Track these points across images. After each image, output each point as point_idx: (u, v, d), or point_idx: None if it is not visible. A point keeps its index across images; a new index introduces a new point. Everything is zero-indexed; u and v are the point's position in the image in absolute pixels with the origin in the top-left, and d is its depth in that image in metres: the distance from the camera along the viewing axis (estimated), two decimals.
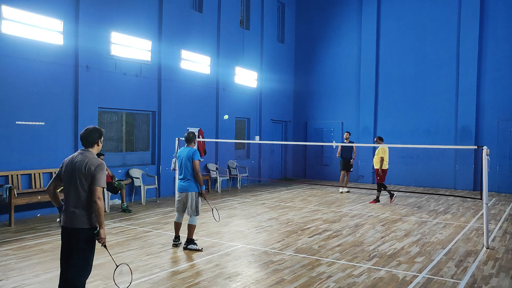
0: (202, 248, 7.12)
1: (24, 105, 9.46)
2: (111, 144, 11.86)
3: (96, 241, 4.17)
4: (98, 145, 4.37)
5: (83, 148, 4.34)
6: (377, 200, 12.46)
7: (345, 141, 14.49)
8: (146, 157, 12.76)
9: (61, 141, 10.23)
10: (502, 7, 15.27)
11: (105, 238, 4.16)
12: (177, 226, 7.35)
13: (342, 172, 14.65)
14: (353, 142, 15.22)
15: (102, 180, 4.14)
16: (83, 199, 4.12)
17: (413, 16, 16.79)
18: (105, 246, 4.16)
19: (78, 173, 4.14)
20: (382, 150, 12.15)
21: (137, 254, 6.76)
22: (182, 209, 7.24)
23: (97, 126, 4.47)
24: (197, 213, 7.10)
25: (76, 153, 4.33)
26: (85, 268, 4.14)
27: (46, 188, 4.51)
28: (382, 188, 12.43)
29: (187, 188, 7.07)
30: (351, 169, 14.83)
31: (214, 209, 7.79)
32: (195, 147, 7.39)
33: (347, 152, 14.48)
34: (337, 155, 14.79)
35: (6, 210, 8.81)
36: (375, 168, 12.39)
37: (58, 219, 4.34)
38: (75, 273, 4.10)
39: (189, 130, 7.62)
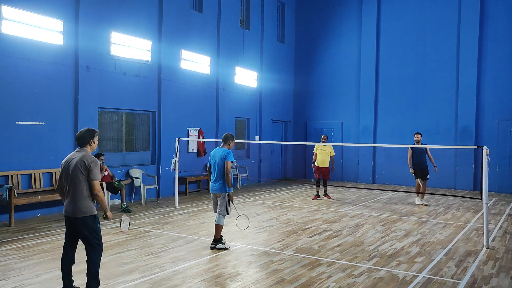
0: (229, 247, 7.20)
1: (24, 105, 9.46)
2: (111, 144, 11.86)
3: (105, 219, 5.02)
4: (91, 145, 4.99)
5: (79, 148, 4.98)
6: (328, 196, 13.20)
7: (415, 144, 11.79)
8: (146, 157, 12.76)
9: (61, 141, 10.23)
10: (502, 7, 15.27)
11: (111, 216, 5.00)
12: None
13: (418, 180, 12.02)
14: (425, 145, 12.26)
15: (98, 175, 4.82)
16: (81, 192, 4.76)
17: (413, 16, 16.79)
18: (106, 218, 4.99)
19: (76, 168, 4.77)
20: (333, 150, 12.97)
21: (137, 254, 6.76)
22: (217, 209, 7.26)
23: (91, 128, 5.10)
24: (225, 213, 7.12)
25: (72, 152, 4.99)
26: (98, 244, 4.86)
27: (56, 189, 5.20)
28: (316, 185, 13.14)
29: (218, 189, 7.12)
30: (428, 176, 12.01)
31: (241, 216, 7.72)
32: (231, 148, 7.36)
33: (421, 156, 11.93)
34: (411, 170, 11.99)
35: (6, 210, 8.81)
36: (327, 166, 12.84)
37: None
38: (90, 251, 4.83)
39: (227, 133, 7.55)
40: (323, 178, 13.02)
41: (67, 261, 4.96)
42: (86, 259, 4.87)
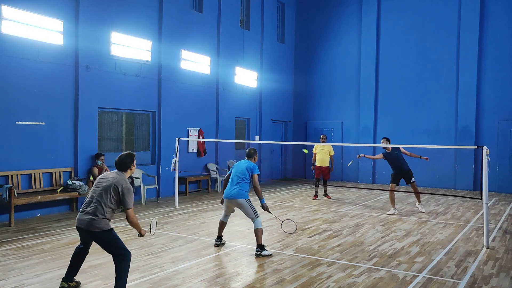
0: (272, 253, 6.92)
1: (24, 105, 9.46)
2: (111, 144, 11.86)
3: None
4: (131, 169, 5.15)
5: (118, 171, 5.10)
6: (328, 196, 13.26)
7: (386, 150, 10.83)
8: (146, 157, 12.76)
9: (61, 141, 10.23)
10: (502, 7, 15.27)
11: (145, 233, 5.19)
12: (222, 225, 7.30)
13: (392, 185, 10.74)
14: (398, 148, 10.90)
15: (130, 203, 4.93)
16: (102, 211, 4.85)
17: (413, 16, 16.79)
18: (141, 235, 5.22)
19: (108, 188, 4.89)
20: (332, 149, 12.98)
21: (137, 254, 6.76)
22: (229, 213, 7.24)
23: (130, 152, 5.26)
24: (256, 215, 6.90)
25: (111, 172, 5.13)
26: (122, 252, 4.87)
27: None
28: (315, 184, 13.09)
29: (238, 195, 6.89)
30: (413, 179, 10.84)
31: (285, 222, 8.16)
32: (255, 162, 7.31)
33: (397, 161, 10.72)
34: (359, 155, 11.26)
35: (6, 210, 8.80)
36: (326, 165, 12.88)
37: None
38: (116, 261, 4.88)
39: (250, 147, 7.70)
40: (323, 178, 13.03)
41: (78, 259, 5.16)
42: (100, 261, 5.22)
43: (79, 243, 5.28)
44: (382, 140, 10.73)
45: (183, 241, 7.68)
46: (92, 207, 4.85)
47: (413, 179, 10.82)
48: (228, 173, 7.22)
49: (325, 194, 13.26)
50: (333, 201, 12.73)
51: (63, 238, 7.63)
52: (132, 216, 4.94)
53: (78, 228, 4.98)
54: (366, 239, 8.08)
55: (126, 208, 4.91)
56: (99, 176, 5.13)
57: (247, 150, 7.35)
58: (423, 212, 10.94)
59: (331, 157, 12.95)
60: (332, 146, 13.21)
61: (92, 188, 5.04)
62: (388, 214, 10.63)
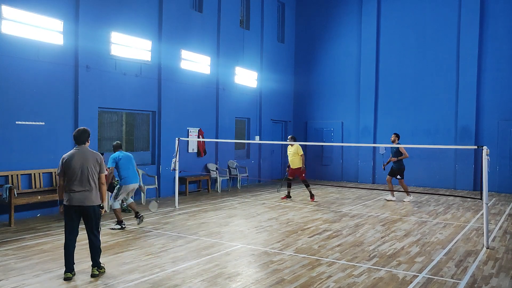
0: (120, 227, 8.49)
1: (24, 105, 9.46)
2: (111, 144, 11.83)
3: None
4: (88, 142, 5.70)
5: (78, 146, 5.59)
6: (288, 196, 12.92)
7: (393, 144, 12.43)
8: (146, 157, 12.76)
9: (61, 141, 10.23)
10: (502, 6, 15.26)
11: (104, 209, 5.83)
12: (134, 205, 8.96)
13: (388, 177, 12.79)
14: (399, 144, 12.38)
15: (105, 168, 5.72)
16: (95, 184, 5.55)
17: (413, 16, 16.79)
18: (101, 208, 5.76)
19: (91, 163, 5.51)
20: (300, 149, 12.51)
21: (137, 254, 6.76)
22: (128, 197, 8.99)
23: (85, 127, 5.76)
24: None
25: (75, 150, 5.56)
26: (99, 231, 5.74)
27: (59, 185, 5.60)
28: (288, 185, 13.00)
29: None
30: (398, 177, 12.57)
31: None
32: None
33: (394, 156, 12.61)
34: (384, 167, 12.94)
35: (6, 210, 8.81)
36: (297, 167, 12.41)
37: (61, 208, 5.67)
38: (94, 240, 5.64)
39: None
40: (300, 179, 12.70)
41: (73, 248, 5.62)
42: (89, 252, 5.72)
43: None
44: (392, 136, 12.77)
45: (183, 241, 7.68)
46: (88, 185, 5.46)
47: (399, 177, 12.51)
48: (112, 165, 8.60)
49: (311, 196, 12.61)
50: (333, 201, 12.71)
51: (63, 238, 7.60)
52: (105, 180, 5.72)
53: (72, 208, 5.47)
54: (366, 239, 8.08)
55: (102, 173, 5.64)
56: (67, 159, 5.47)
57: (116, 142, 8.92)
58: (406, 201, 12.50)
59: (301, 156, 12.44)
60: (300, 145, 12.69)
61: (69, 169, 5.44)
62: (386, 200, 12.67)
